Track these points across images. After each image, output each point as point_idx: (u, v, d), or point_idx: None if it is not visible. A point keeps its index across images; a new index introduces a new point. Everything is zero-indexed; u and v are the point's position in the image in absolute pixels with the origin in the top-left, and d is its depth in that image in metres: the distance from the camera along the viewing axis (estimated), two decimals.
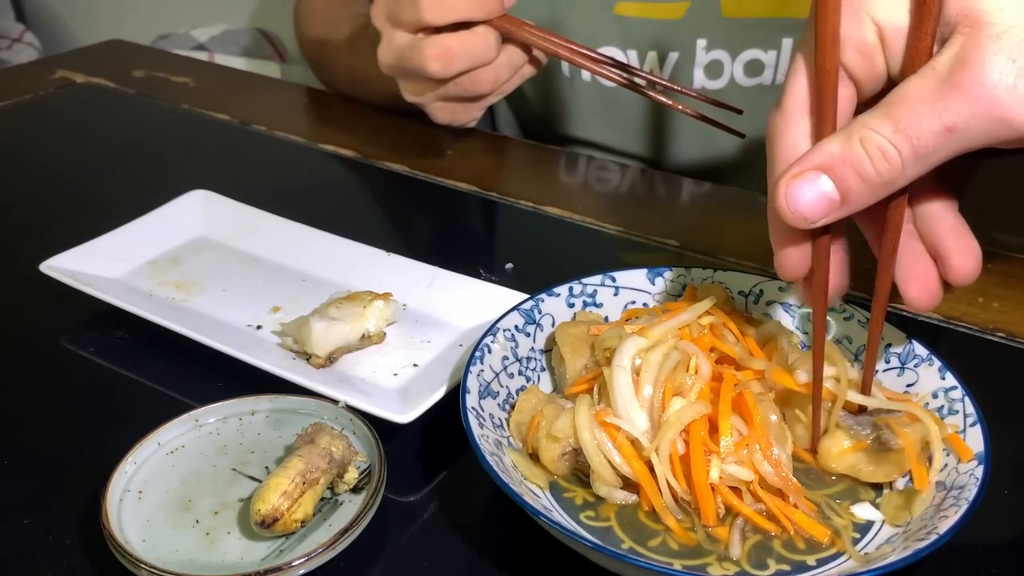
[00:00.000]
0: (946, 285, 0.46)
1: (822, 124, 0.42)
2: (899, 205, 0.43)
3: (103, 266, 0.64)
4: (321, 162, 0.89)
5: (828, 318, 0.55)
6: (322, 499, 0.46)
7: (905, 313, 0.63)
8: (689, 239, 0.74)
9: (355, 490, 0.47)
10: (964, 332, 0.62)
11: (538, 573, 0.45)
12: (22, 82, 1.06)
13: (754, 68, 0.88)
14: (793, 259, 0.44)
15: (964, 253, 0.44)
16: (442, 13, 0.68)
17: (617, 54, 0.89)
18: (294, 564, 0.41)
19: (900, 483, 0.47)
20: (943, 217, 0.45)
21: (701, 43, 0.87)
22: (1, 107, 0.99)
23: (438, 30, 0.69)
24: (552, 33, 0.72)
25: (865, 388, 0.48)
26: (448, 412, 0.53)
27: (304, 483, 0.44)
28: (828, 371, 0.48)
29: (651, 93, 0.71)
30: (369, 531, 0.44)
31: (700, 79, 0.89)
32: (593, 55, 0.72)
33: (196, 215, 0.71)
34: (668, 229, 0.76)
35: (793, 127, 0.43)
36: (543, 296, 0.55)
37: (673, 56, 0.88)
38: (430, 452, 0.52)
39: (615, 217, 0.77)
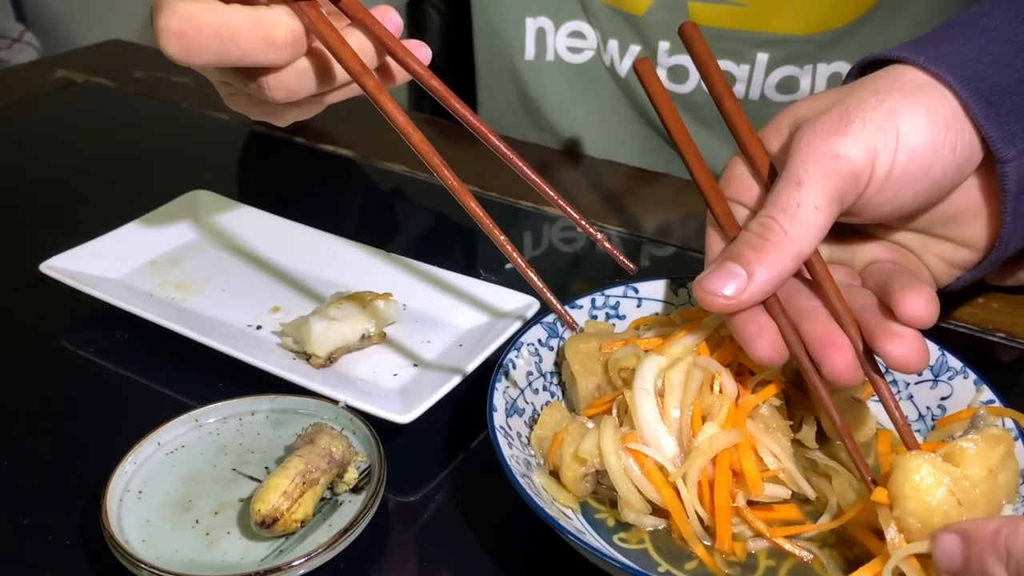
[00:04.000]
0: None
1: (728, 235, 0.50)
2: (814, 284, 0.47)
3: (103, 266, 0.64)
4: (322, 162, 0.89)
5: None
6: (322, 499, 0.46)
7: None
8: (689, 239, 0.74)
9: (355, 490, 0.47)
10: (964, 332, 0.62)
11: (538, 573, 0.45)
12: (22, 82, 1.06)
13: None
14: (764, 341, 0.44)
15: (916, 290, 0.44)
16: None
17: (585, 28, 0.87)
18: (294, 564, 0.41)
19: None
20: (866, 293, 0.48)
21: (664, 45, 0.85)
22: (1, 107, 0.99)
23: None
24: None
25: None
26: (448, 412, 0.53)
27: (304, 483, 0.44)
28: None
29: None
30: (369, 531, 0.44)
31: (664, 81, 0.86)
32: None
33: (196, 215, 0.71)
34: (668, 229, 0.76)
35: (714, 240, 0.51)
36: (565, 308, 0.54)
37: (635, 49, 0.86)
38: (430, 452, 0.52)
39: (616, 217, 0.77)
